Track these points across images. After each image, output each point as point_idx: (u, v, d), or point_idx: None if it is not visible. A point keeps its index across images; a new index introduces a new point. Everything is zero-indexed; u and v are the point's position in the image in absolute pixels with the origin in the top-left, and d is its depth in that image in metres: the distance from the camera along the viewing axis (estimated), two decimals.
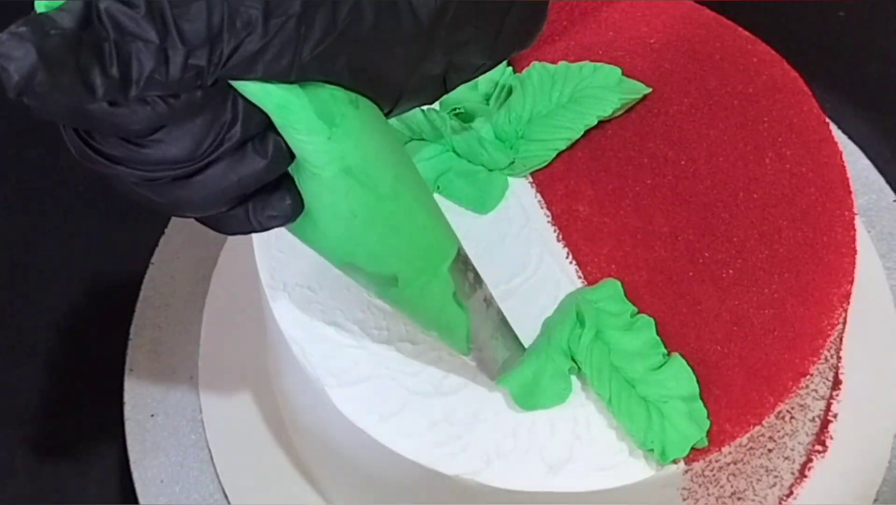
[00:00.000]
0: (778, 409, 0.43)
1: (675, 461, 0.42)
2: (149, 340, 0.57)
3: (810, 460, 0.52)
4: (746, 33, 0.50)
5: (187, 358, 0.56)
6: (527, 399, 0.42)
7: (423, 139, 0.47)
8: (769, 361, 0.43)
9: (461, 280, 0.40)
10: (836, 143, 0.48)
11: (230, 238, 0.59)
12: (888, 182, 0.59)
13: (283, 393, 0.52)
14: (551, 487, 0.42)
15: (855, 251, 0.46)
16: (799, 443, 0.49)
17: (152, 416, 0.55)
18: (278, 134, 0.33)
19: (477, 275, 0.41)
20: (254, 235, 0.47)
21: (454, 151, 0.47)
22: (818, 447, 0.53)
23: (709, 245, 0.46)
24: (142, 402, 0.56)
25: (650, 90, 0.48)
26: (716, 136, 0.48)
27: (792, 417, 0.45)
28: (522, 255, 0.46)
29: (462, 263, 0.40)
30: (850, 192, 0.47)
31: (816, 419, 0.50)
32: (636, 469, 0.42)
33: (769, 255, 0.45)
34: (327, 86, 0.33)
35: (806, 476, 0.52)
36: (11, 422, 0.57)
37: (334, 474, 0.50)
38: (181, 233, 0.60)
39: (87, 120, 0.30)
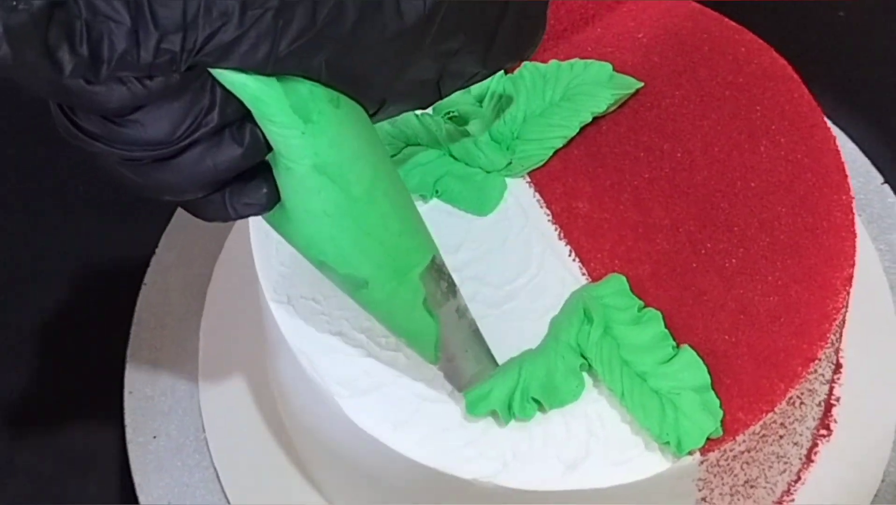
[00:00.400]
0: (789, 395, 0.43)
1: (690, 453, 0.42)
2: (146, 362, 0.57)
3: (816, 445, 0.53)
4: (732, 23, 0.51)
5: (186, 376, 0.56)
6: (547, 397, 0.42)
7: (419, 144, 0.47)
8: (778, 348, 0.43)
9: (433, 288, 0.40)
10: (828, 128, 0.48)
11: (223, 253, 0.58)
12: (880, 172, 0.59)
13: (289, 406, 0.51)
14: (569, 486, 0.42)
15: (854, 234, 0.46)
16: (807, 428, 0.49)
17: (154, 437, 0.55)
18: (256, 123, 0.33)
19: (451, 285, 0.41)
20: (254, 249, 0.47)
21: (451, 155, 0.47)
22: (823, 431, 0.53)
23: (710, 235, 0.46)
24: (143, 424, 0.55)
25: (642, 84, 0.48)
26: (710, 126, 0.48)
27: (801, 403, 0.45)
28: (525, 255, 0.46)
29: (436, 272, 0.40)
30: (846, 176, 0.47)
31: (822, 403, 0.50)
32: (652, 462, 0.42)
33: (770, 242, 0.45)
34: (307, 82, 0.33)
35: (813, 461, 0.52)
36: (11, 422, 0.57)
37: (344, 483, 0.50)
38: (171, 251, 0.59)
39: (65, 95, 0.31)
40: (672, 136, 0.48)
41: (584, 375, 0.43)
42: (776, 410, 0.43)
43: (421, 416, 0.43)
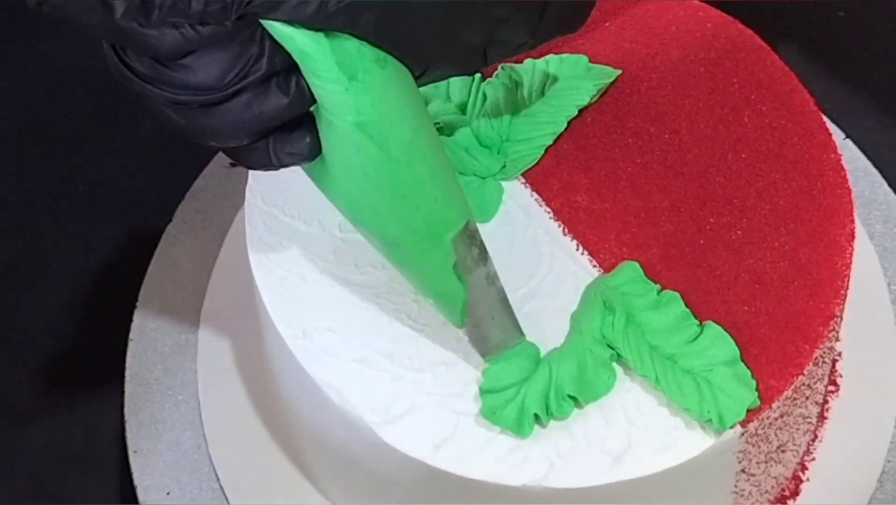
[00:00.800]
0: (814, 355, 0.44)
1: (732, 426, 0.42)
2: (146, 362, 0.56)
3: (826, 401, 0.53)
4: (696, 2, 0.51)
5: (186, 377, 0.55)
6: (582, 392, 0.42)
7: None
8: (797, 311, 0.44)
9: (464, 254, 0.40)
10: (804, 91, 0.49)
11: (222, 252, 0.57)
12: (880, 172, 0.60)
13: (302, 425, 0.50)
14: (618, 477, 0.42)
15: (849, 190, 0.47)
16: (823, 386, 0.50)
17: (155, 438, 0.54)
18: (303, 74, 0.34)
19: (483, 252, 0.41)
20: (260, 285, 0.46)
21: None
22: (831, 387, 0.54)
23: (712, 211, 0.46)
24: (143, 425, 0.54)
25: (620, 72, 0.49)
26: (691, 104, 0.48)
27: (823, 362, 0.46)
28: (533, 255, 0.46)
29: (468, 238, 0.40)
30: (830, 135, 0.48)
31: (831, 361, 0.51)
32: (696, 442, 0.42)
33: (771, 209, 0.46)
34: (355, 40, 0.34)
35: (826, 417, 0.53)
36: (11, 422, 0.57)
37: (367, 498, 0.49)
38: (172, 249, 0.58)
39: (119, 36, 0.32)
40: (657, 119, 0.48)
41: (615, 365, 0.43)
42: (805, 371, 0.43)
43: (460, 431, 0.43)
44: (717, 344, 0.43)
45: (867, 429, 0.53)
